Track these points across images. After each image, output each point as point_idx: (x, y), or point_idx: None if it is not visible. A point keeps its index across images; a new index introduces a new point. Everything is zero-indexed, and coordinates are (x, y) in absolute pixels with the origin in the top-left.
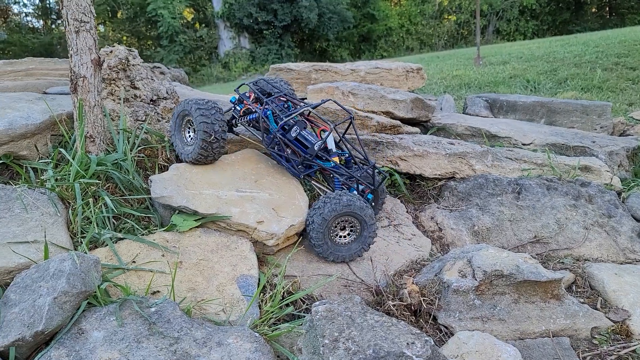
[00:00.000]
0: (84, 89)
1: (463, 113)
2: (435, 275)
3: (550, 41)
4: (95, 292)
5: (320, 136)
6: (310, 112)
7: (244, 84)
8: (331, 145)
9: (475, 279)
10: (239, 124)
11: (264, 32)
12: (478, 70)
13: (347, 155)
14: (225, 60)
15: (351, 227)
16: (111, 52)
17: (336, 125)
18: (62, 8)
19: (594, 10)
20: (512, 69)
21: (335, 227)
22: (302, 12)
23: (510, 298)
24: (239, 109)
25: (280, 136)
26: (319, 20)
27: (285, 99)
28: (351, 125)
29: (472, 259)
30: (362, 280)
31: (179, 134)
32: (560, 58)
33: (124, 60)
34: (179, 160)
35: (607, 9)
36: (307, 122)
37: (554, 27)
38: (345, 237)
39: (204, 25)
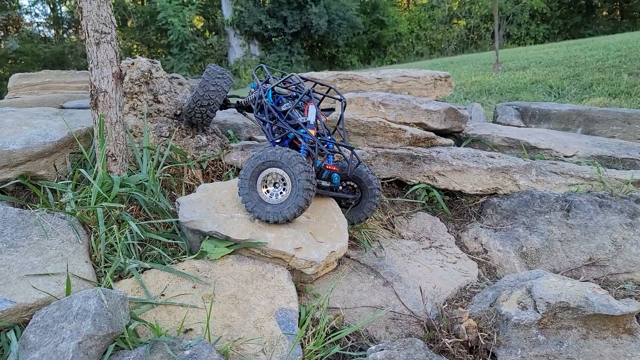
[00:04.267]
0: (105, 105)
1: (493, 122)
2: (491, 306)
3: (567, 45)
4: (123, 333)
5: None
6: (310, 98)
7: (260, 65)
8: (311, 118)
9: (538, 312)
10: (249, 104)
11: (274, 39)
12: (497, 76)
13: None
14: (235, 68)
15: (284, 184)
16: (133, 64)
17: (309, 93)
18: (82, 19)
19: (605, 13)
20: (533, 74)
21: (265, 183)
22: (311, 19)
23: (578, 333)
24: (252, 90)
25: (269, 103)
26: (328, 27)
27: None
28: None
29: (533, 288)
30: (412, 313)
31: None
32: (582, 63)
33: (146, 73)
34: (205, 179)
35: (618, 12)
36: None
37: (565, 30)
38: (275, 196)
39: (214, 32)
